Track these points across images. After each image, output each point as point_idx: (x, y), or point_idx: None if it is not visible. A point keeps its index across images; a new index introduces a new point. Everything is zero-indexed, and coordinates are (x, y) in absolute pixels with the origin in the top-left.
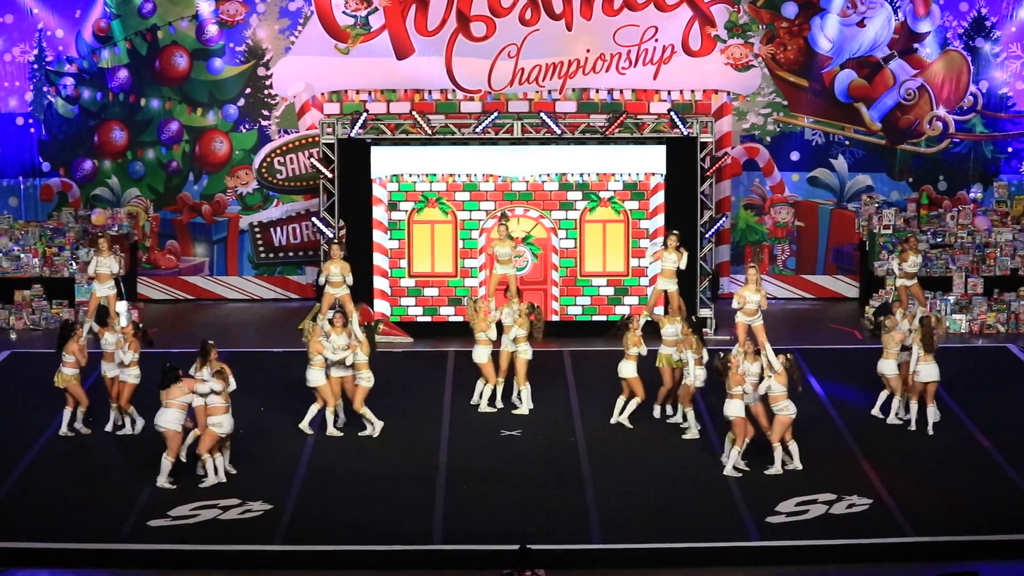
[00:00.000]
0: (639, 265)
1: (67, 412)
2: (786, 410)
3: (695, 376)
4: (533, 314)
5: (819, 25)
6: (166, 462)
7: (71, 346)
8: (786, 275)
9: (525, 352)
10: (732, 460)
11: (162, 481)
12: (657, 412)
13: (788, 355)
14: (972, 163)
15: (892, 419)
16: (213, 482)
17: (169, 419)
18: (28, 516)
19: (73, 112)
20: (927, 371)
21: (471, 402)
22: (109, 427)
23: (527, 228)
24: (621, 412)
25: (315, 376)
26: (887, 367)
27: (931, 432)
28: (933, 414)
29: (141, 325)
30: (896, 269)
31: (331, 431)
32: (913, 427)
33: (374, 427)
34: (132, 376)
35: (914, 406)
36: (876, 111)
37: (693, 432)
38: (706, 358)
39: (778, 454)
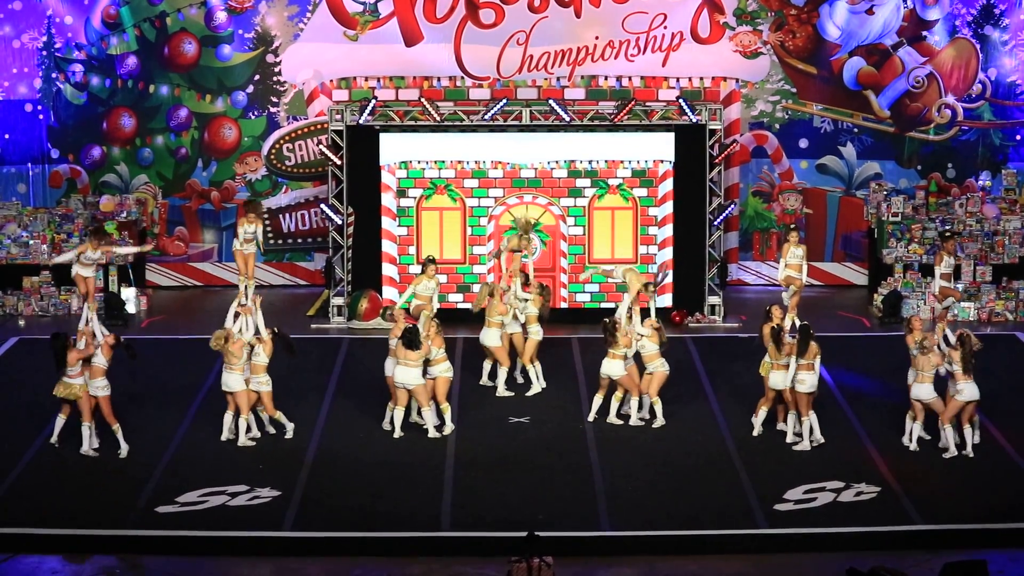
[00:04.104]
0: (647, 252)
1: (60, 419)
2: (661, 367)
3: (795, 379)
4: (543, 295)
5: (828, 12)
6: (427, 413)
7: (72, 356)
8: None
9: (536, 333)
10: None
11: (431, 430)
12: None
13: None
14: (981, 151)
15: (913, 444)
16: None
17: (413, 376)
18: (37, 502)
19: (82, 99)
20: (969, 390)
21: (480, 382)
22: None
23: (536, 215)
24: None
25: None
26: (924, 392)
27: (971, 454)
28: (972, 435)
29: (124, 339)
30: (937, 272)
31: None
32: (954, 452)
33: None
34: (102, 388)
35: (949, 429)
36: (885, 98)
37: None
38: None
39: (659, 407)
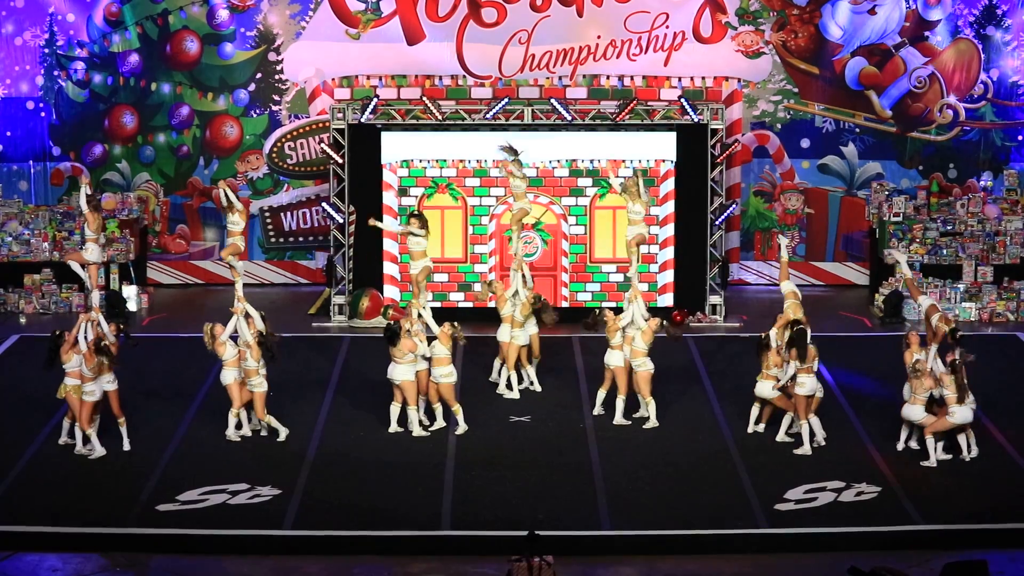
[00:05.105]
0: (648, 252)
1: (66, 421)
2: (644, 366)
3: (799, 383)
4: (539, 304)
5: (830, 12)
6: (412, 411)
7: (65, 356)
8: (796, 262)
9: (517, 338)
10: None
11: (416, 429)
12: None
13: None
14: (982, 151)
15: (901, 445)
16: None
17: (403, 372)
18: (37, 500)
19: (84, 96)
20: (961, 414)
21: (490, 379)
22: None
23: (537, 214)
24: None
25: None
26: (915, 413)
27: (966, 458)
28: (966, 444)
29: (104, 344)
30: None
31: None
32: (933, 464)
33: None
34: (87, 394)
35: (931, 440)
36: (887, 99)
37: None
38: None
39: (652, 408)
